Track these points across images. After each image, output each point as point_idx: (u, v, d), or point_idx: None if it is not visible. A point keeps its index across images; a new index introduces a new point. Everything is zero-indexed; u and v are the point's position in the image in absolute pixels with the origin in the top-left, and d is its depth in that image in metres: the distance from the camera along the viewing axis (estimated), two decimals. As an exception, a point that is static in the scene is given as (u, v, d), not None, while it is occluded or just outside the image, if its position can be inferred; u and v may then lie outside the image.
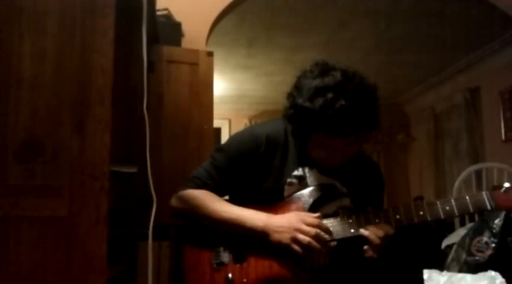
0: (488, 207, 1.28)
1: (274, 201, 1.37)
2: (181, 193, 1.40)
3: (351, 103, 1.19)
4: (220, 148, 1.44)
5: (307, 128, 1.26)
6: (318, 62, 1.30)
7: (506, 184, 1.29)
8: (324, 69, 1.26)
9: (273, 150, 1.39)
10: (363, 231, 1.28)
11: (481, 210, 1.32)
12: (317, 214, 1.30)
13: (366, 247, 1.27)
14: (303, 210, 1.34)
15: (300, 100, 1.24)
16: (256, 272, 1.29)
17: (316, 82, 1.23)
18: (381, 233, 1.26)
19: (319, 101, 1.20)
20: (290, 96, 1.29)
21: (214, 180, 1.39)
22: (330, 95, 1.19)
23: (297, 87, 1.28)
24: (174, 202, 1.42)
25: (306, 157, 1.38)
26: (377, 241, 1.25)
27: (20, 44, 1.22)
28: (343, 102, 1.19)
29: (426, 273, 1.45)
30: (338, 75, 1.23)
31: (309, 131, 1.27)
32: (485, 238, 1.68)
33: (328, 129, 1.22)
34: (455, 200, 1.30)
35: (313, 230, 1.25)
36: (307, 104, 1.22)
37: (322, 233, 1.26)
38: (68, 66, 1.24)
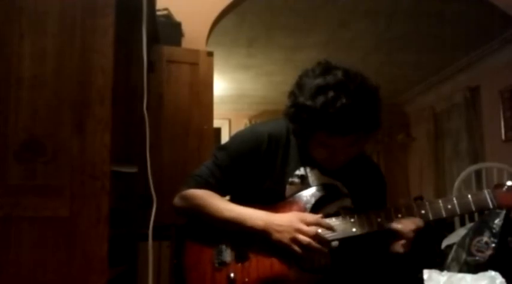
0: (490, 206, 1.28)
1: (275, 201, 1.37)
2: (184, 193, 1.40)
3: (352, 102, 1.19)
4: (223, 147, 1.44)
5: (309, 127, 1.26)
6: (321, 61, 1.30)
7: (509, 183, 1.29)
8: (326, 68, 1.26)
9: (275, 148, 1.39)
10: (395, 225, 1.27)
11: (483, 209, 1.32)
12: (319, 215, 1.30)
13: (397, 242, 1.26)
14: (304, 210, 1.34)
15: (301, 99, 1.24)
16: (258, 271, 1.29)
17: (318, 81, 1.23)
18: (413, 226, 1.26)
19: (320, 99, 1.20)
20: (292, 94, 1.29)
21: (216, 178, 1.39)
22: (331, 94, 1.20)
23: (299, 85, 1.28)
24: (177, 201, 1.42)
25: (308, 156, 1.38)
26: (410, 234, 1.25)
27: (20, 44, 1.22)
28: (344, 101, 1.19)
29: (426, 273, 1.45)
30: (340, 74, 1.23)
31: (310, 130, 1.27)
32: (485, 238, 1.68)
33: (329, 127, 1.22)
34: (457, 198, 1.29)
35: (313, 231, 1.25)
36: (308, 102, 1.22)
37: (322, 233, 1.26)
38: (68, 66, 1.24)
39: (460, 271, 1.68)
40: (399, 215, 1.29)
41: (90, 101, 1.23)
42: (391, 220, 1.29)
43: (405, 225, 1.27)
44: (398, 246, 1.26)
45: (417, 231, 1.26)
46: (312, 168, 1.39)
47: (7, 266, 1.15)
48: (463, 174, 2.97)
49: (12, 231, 1.16)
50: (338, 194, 1.39)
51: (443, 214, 1.29)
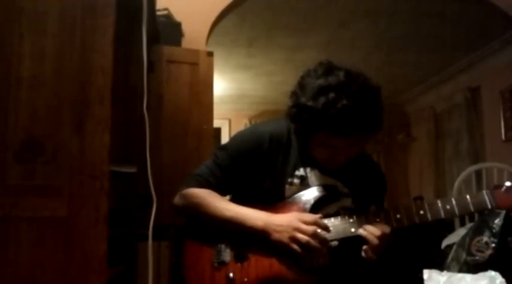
0: (489, 206, 1.29)
1: (275, 201, 1.37)
2: (184, 192, 1.41)
3: (354, 103, 1.20)
4: (223, 147, 1.45)
5: (310, 127, 1.26)
6: (323, 61, 1.30)
7: (507, 183, 1.29)
8: (328, 68, 1.27)
9: (276, 149, 1.39)
10: (361, 231, 1.28)
11: (481, 210, 1.32)
12: (318, 215, 1.30)
13: (365, 247, 1.27)
14: (303, 210, 1.34)
15: (303, 99, 1.24)
16: (257, 271, 1.30)
17: (320, 81, 1.24)
18: (378, 232, 1.26)
19: (322, 100, 1.20)
20: (293, 94, 1.29)
21: (216, 177, 1.40)
22: (332, 95, 1.20)
23: (301, 86, 1.28)
24: (177, 200, 1.43)
25: (308, 157, 1.38)
26: (375, 241, 1.25)
27: (20, 44, 1.22)
28: (345, 102, 1.19)
29: (426, 273, 1.45)
30: (342, 75, 1.24)
31: (311, 130, 1.27)
32: (485, 238, 1.68)
33: (330, 128, 1.22)
34: (456, 199, 1.30)
35: (312, 230, 1.25)
36: (310, 103, 1.22)
37: (322, 232, 1.26)
38: (68, 66, 1.24)
39: (460, 270, 1.68)
40: (377, 220, 1.29)
41: (89, 101, 1.23)
42: (367, 224, 1.29)
43: (370, 231, 1.27)
44: (367, 252, 1.27)
45: (383, 238, 1.25)
46: (312, 168, 1.39)
47: (6, 266, 1.15)
48: (463, 174, 2.97)
49: (11, 231, 1.16)
50: (338, 194, 1.39)
51: (442, 214, 1.29)
